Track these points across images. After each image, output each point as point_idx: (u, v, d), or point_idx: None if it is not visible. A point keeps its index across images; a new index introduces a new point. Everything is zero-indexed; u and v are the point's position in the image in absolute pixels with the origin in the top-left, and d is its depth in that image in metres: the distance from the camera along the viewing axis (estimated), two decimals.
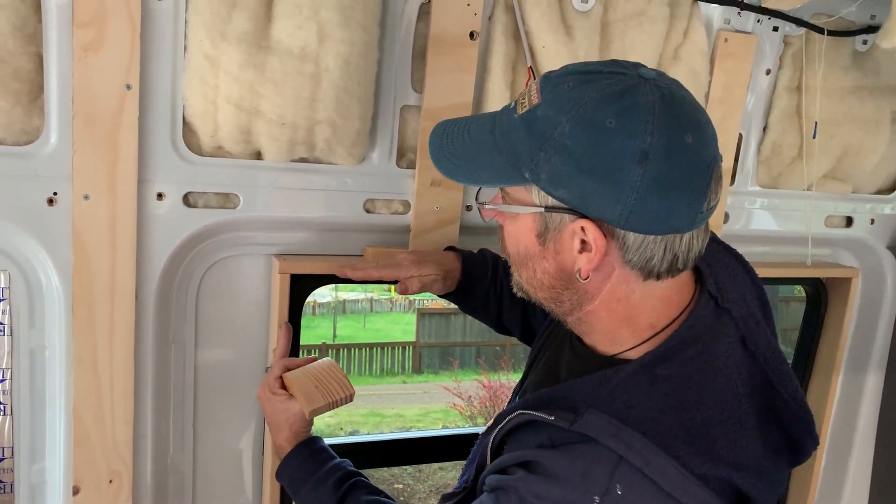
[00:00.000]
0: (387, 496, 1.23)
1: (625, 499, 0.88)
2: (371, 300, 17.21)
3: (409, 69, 1.45)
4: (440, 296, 1.45)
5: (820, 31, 1.70)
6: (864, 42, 1.78)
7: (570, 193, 0.89)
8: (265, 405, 1.33)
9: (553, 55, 1.49)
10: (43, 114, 1.23)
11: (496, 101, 1.50)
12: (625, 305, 0.97)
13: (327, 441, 1.38)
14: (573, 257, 0.93)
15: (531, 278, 1.00)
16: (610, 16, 1.54)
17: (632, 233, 0.90)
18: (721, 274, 1.06)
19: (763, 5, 1.65)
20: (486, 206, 1.01)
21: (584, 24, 1.51)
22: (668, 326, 0.98)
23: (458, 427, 9.14)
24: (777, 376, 1.02)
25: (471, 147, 0.98)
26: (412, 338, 14.00)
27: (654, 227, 0.89)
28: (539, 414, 0.96)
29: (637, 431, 0.89)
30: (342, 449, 1.66)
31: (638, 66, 0.92)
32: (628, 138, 0.86)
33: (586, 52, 1.51)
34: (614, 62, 0.93)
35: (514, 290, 1.06)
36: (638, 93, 0.87)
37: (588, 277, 0.93)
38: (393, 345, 13.96)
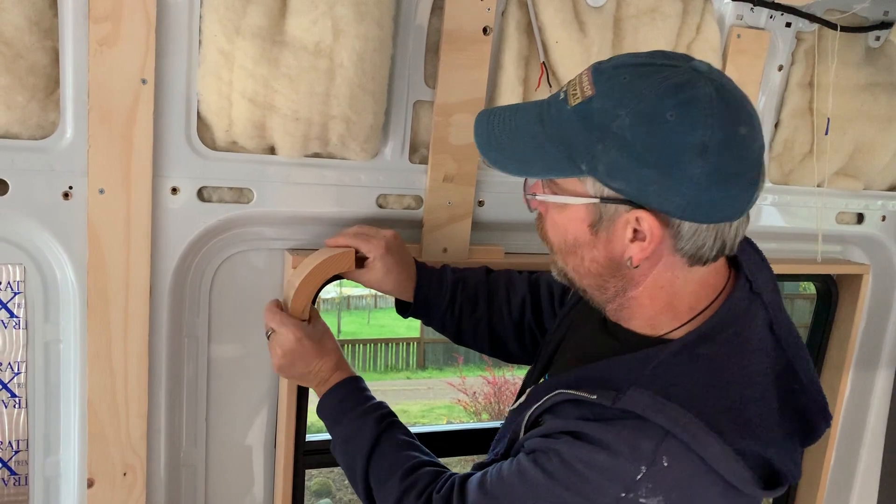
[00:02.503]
0: (418, 443, 1.24)
1: (670, 471, 0.90)
2: (375, 296, 17.21)
3: (423, 65, 1.45)
4: (398, 311, 1.46)
5: (833, 26, 1.70)
6: (877, 38, 1.78)
7: (628, 185, 0.90)
8: (303, 336, 1.27)
9: (566, 51, 1.48)
10: (59, 108, 1.23)
11: (509, 96, 1.50)
12: (668, 291, 1.00)
13: (329, 436, 1.38)
14: (624, 246, 0.95)
15: (578, 266, 1.01)
16: (623, 11, 1.54)
17: (687, 222, 0.92)
18: (748, 260, 1.08)
19: (776, 1, 1.64)
20: (537, 198, 1.02)
21: (598, 19, 1.51)
22: (706, 309, 1.02)
23: (463, 423, 9.16)
24: (797, 360, 1.05)
25: (520, 138, 0.99)
26: (416, 334, 14.00)
27: (710, 216, 0.92)
28: (580, 393, 0.98)
29: (681, 407, 0.92)
30: None
31: (688, 58, 0.94)
32: (689, 131, 0.87)
33: (599, 47, 1.51)
34: (663, 54, 0.94)
35: (556, 276, 1.09)
36: (695, 86, 0.89)
37: (638, 266, 0.96)
38: (397, 341, 13.97)
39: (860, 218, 2.01)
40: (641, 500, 0.90)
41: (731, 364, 0.99)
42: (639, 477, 0.90)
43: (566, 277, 1.07)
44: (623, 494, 0.90)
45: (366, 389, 1.30)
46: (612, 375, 0.99)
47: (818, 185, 1.86)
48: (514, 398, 1.22)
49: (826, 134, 1.77)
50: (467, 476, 1.10)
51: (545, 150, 0.95)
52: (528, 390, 1.14)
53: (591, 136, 0.91)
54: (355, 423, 1.23)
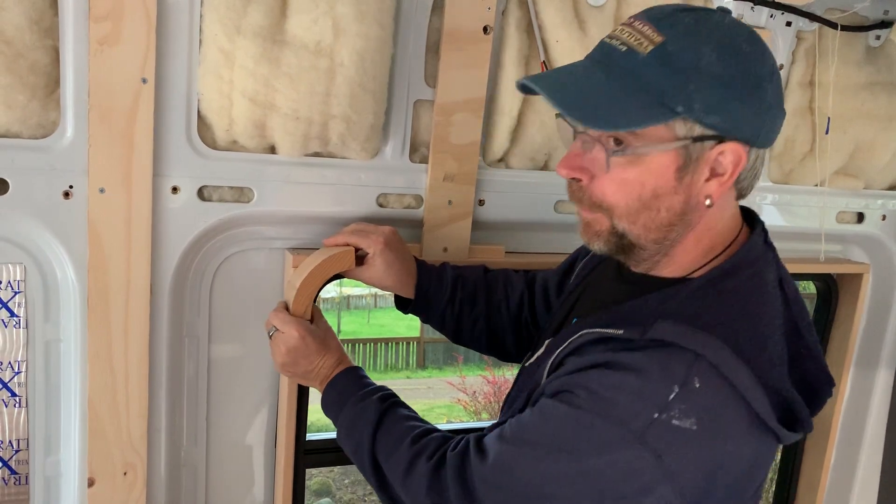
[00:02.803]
0: (422, 418, 1.23)
1: (702, 392, 0.91)
2: (375, 296, 17.21)
3: (423, 64, 1.45)
4: (398, 307, 1.46)
5: (833, 26, 1.70)
6: (878, 37, 1.78)
7: (722, 119, 0.93)
8: (306, 334, 1.28)
9: (567, 50, 1.48)
10: (59, 107, 1.23)
11: (509, 96, 1.50)
12: (713, 231, 1.03)
13: (330, 436, 1.40)
14: (700, 186, 0.97)
15: (651, 221, 0.99)
16: (623, 10, 1.54)
17: (753, 151, 0.97)
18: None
19: (776, 0, 1.64)
20: (626, 153, 0.95)
21: (598, 18, 1.51)
22: (725, 250, 1.04)
23: (463, 422, 9.16)
24: (802, 323, 1.06)
25: (597, 92, 0.94)
26: (416, 333, 13.99)
27: (771, 141, 0.99)
28: (607, 330, 0.98)
29: (710, 335, 0.93)
30: None
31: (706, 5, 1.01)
32: (762, 59, 0.95)
33: None
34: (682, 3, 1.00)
35: (598, 246, 1.04)
36: (742, 23, 0.97)
37: (712, 205, 0.98)
38: (397, 340, 13.97)
39: (860, 217, 2.01)
40: (675, 422, 0.89)
41: (752, 300, 1.00)
42: (671, 397, 0.90)
43: (619, 242, 1.02)
44: (656, 415, 0.89)
45: (365, 377, 1.30)
46: (638, 313, 0.99)
47: (818, 185, 1.86)
48: (526, 356, 1.21)
49: (826, 133, 1.77)
50: (482, 435, 1.08)
51: (635, 99, 0.92)
52: (546, 342, 1.13)
53: (678, 77, 0.91)
54: (357, 406, 1.22)
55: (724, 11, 0.99)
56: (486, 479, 1.03)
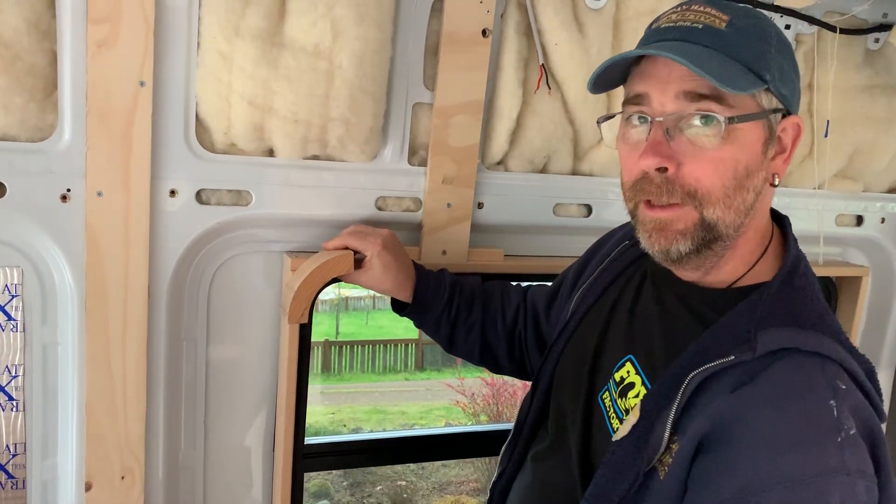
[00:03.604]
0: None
1: (848, 393, 0.89)
2: (374, 298, 17.20)
3: (422, 67, 1.45)
4: (394, 310, 1.46)
5: (832, 29, 1.69)
6: (877, 40, 1.77)
7: (790, 91, 0.95)
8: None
9: (566, 53, 1.48)
10: (57, 110, 1.23)
11: (509, 98, 1.49)
12: (766, 220, 1.02)
13: (328, 439, 1.39)
14: (767, 163, 0.96)
15: (742, 202, 0.95)
16: (622, 13, 1.54)
17: None
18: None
19: (775, 3, 1.64)
20: (736, 122, 0.92)
21: (597, 21, 1.51)
22: (771, 241, 1.03)
23: (461, 425, 9.15)
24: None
25: (705, 61, 0.90)
26: (415, 335, 13.97)
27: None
28: (717, 361, 0.91)
29: (818, 333, 0.92)
30: (344, 447, 1.67)
31: None
32: (783, 35, 0.97)
33: (599, 49, 1.51)
34: None
35: (678, 246, 0.97)
36: None
37: (778, 184, 0.98)
38: (395, 342, 13.95)
39: (859, 220, 2.01)
40: (851, 432, 0.86)
41: (817, 294, 0.99)
42: (836, 414, 0.86)
43: (705, 237, 0.96)
44: (838, 439, 0.85)
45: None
46: (730, 333, 0.94)
47: (817, 188, 1.86)
48: (584, 395, 1.10)
49: (825, 136, 1.76)
50: None
51: (733, 68, 0.91)
52: (636, 405, 0.99)
53: (760, 47, 0.93)
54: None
55: None
56: None
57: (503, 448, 1.28)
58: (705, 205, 0.94)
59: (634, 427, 0.96)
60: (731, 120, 0.91)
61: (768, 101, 0.94)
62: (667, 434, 0.92)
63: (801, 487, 0.83)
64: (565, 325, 1.23)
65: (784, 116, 0.96)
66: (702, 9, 0.95)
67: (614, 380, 1.08)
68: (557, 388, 1.20)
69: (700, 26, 0.93)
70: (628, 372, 1.06)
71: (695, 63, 0.88)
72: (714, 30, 0.93)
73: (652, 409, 0.95)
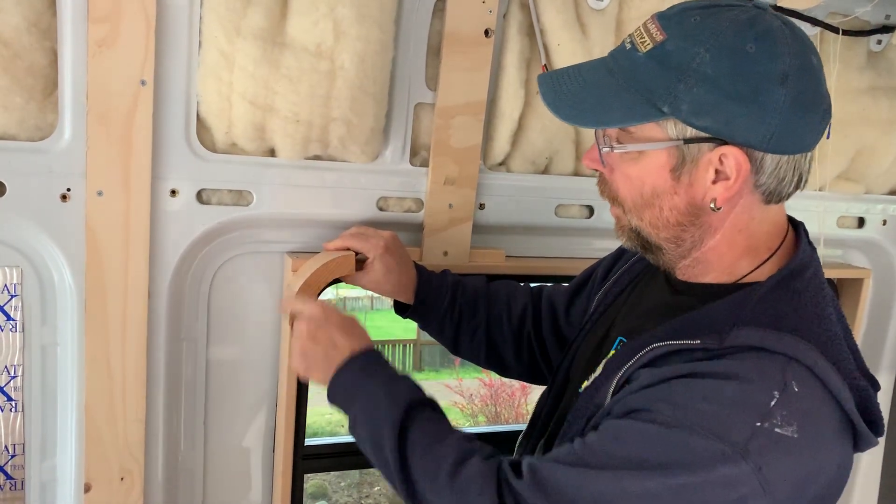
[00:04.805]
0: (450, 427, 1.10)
1: (800, 397, 0.88)
2: (372, 298, 17.19)
3: (424, 67, 1.44)
4: (397, 312, 1.43)
5: (835, 30, 1.69)
6: (879, 42, 1.77)
7: (714, 121, 0.91)
8: (331, 310, 1.18)
9: (568, 53, 1.48)
10: (57, 109, 1.22)
11: (511, 99, 1.49)
12: (745, 234, 1.00)
13: (327, 440, 1.37)
14: (705, 189, 0.95)
15: (656, 219, 0.99)
16: (625, 14, 1.53)
17: (770, 155, 0.93)
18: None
19: (778, 4, 1.64)
20: (615, 150, 0.97)
21: (599, 21, 1.51)
22: (780, 247, 1.02)
23: (461, 426, 9.12)
24: (846, 322, 1.04)
25: (592, 90, 0.97)
26: (413, 335, 13.96)
27: (793, 146, 0.93)
28: (681, 342, 0.95)
29: (795, 337, 0.91)
30: (343, 448, 1.66)
31: None
32: (770, 61, 0.90)
33: (601, 49, 1.50)
34: None
35: (625, 242, 1.06)
36: (766, 19, 0.92)
37: (720, 208, 0.96)
38: (394, 342, 13.94)
39: (861, 222, 2.01)
40: (777, 430, 0.85)
41: (818, 300, 0.98)
42: (773, 403, 0.86)
43: (639, 239, 1.03)
44: (759, 424, 0.85)
45: (389, 364, 1.17)
46: (707, 322, 0.95)
47: (819, 189, 1.86)
48: (582, 375, 1.12)
49: (827, 137, 1.74)
50: (518, 462, 0.97)
51: (621, 98, 0.94)
52: (602, 362, 1.07)
53: (669, 77, 0.91)
54: (387, 386, 1.10)
55: (756, 6, 0.95)
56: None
57: (518, 440, 1.28)
58: (626, 212, 1.02)
59: (593, 381, 1.06)
60: (606, 148, 0.98)
61: (679, 130, 0.92)
62: (611, 391, 1.00)
63: (696, 437, 0.86)
64: (585, 323, 1.25)
65: (722, 144, 0.92)
66: (650, 24, 0.95)
67: None
68: (572, 383, 1.20)
69: (629, 46, 0.95)
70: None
71: (561, 98, 0.98)
72: (634, 52, 0.94)
73: (611, 368, 1.03)
